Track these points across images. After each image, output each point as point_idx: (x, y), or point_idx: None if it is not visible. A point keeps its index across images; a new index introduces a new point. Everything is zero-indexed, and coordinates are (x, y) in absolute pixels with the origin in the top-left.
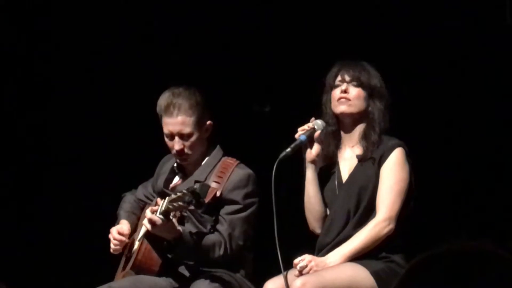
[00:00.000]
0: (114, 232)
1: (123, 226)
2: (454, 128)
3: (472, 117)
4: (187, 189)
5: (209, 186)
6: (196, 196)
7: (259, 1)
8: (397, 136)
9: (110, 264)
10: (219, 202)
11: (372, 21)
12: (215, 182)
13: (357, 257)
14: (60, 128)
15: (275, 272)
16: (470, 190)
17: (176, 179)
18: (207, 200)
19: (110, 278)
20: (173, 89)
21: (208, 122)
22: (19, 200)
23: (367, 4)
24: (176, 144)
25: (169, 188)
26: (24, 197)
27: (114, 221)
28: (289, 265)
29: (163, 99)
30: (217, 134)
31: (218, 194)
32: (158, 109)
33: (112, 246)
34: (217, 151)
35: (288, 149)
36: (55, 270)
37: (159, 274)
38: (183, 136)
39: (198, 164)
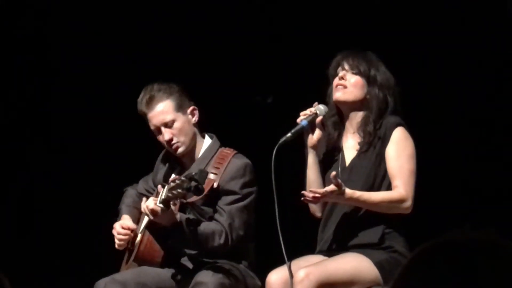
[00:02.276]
0: (118, 227)
1: (126, 221)
2: (457, 119)
3: (475, 109)
4: (186, 176)
5: (207, 172)
6: (194, 182)
7: None
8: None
9: (113, 259)
10: (217, 193)
11: (373, 13)
12: (213, 173)
13: (360, 247)
14: (61, 123)
15: (278, 262)
16: (473, 179)
17: (176, 172)
18: (205, 191)
19: (114, 272)
20: (147, 87)
21: (191, 107)
22: (21, 195)
23: None
24: (165, 135)
25: (169, 181)
26: (25, 192)
27: (117, 216)
28: (291, 255)
29: (140, 99)
30: (214, 125)
31: (215, 185)
32: (139, 111)
33: (116, 241)
34: (214, 142)
35: (289, 134)
36: (58, 266)
37: (162, 265)
38: (167, 125)
39: (195, 157)
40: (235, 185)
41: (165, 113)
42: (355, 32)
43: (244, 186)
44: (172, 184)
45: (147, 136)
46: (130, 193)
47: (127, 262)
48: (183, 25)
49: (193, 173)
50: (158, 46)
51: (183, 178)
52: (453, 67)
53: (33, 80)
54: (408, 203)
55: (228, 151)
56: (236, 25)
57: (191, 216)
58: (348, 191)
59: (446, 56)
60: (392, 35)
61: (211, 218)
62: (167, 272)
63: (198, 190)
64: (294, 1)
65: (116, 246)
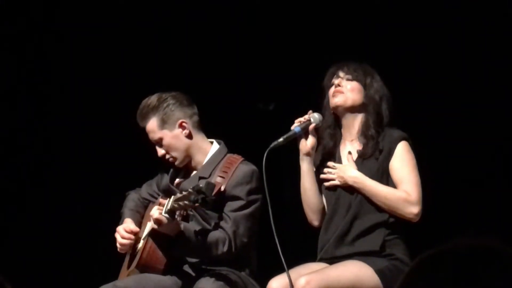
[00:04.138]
0: (121, 231)
1: (129, 224)
2: (459, 123)
3: (477, 111)
4: (193, 188)
5: (214, 185)
6: (202, 195)
7: None
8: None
9: (114, 263)
10: (223, 197)
11: (372, 16)
12: (220, 176)
13: (361, 255)
14: (63, 126)
15: (280, 269)
16: (476, 186)
17: (181, 176)
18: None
19: (115, 276)
20: (144, 99)
21: (180, 121)
22: (23, 199)
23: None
24: (158, 151)
25: (174, 184)
26: (27, 195)
27: (118, 220)
28: (292, 263)
29: (136, 115)
30: (221, 131)
31: (222, 188)
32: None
33: (118, 245)
34: (222, 148)
35: (281, 139)
36: (59, 270)
37: (164, 272)
38: (157, 143)
39: (201, 161)
40: (241, 191)
41: (151, 132)
42: (358, 39)
43: (250, 192)
44: (178, 195)
45: (150, 140)
46: (132, 197)
47: (128, 267)
48: (186, 32)
49: (201, 186)
50: (163, 53)
51: (190, 190)
52: (454, 68)
53: (35, 81)
54: (416, 209)
55: (236, 157)
56: (238, 31)
57: (195, 224)
58: (355, 173)
59: (448, 58)
60: (392, 38)
61: (216, 225)
62: (168, 279)
63: (205, 203)
64: (299, 9)
65: (118, 249)
